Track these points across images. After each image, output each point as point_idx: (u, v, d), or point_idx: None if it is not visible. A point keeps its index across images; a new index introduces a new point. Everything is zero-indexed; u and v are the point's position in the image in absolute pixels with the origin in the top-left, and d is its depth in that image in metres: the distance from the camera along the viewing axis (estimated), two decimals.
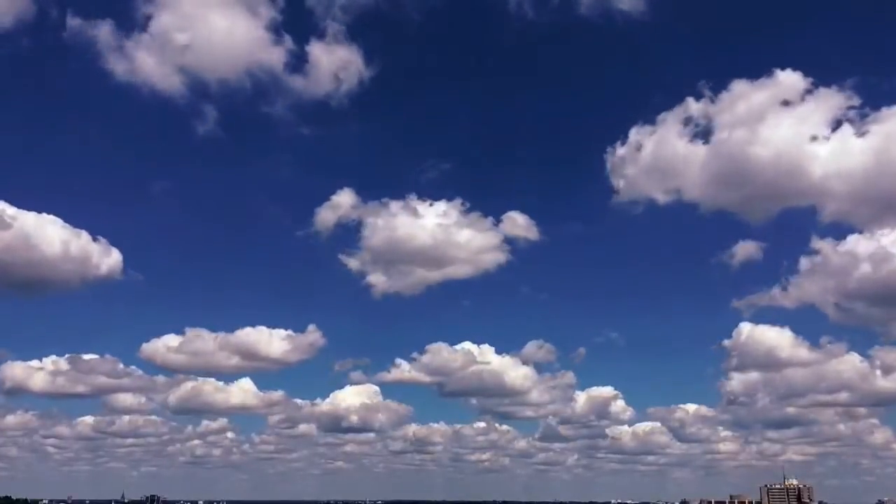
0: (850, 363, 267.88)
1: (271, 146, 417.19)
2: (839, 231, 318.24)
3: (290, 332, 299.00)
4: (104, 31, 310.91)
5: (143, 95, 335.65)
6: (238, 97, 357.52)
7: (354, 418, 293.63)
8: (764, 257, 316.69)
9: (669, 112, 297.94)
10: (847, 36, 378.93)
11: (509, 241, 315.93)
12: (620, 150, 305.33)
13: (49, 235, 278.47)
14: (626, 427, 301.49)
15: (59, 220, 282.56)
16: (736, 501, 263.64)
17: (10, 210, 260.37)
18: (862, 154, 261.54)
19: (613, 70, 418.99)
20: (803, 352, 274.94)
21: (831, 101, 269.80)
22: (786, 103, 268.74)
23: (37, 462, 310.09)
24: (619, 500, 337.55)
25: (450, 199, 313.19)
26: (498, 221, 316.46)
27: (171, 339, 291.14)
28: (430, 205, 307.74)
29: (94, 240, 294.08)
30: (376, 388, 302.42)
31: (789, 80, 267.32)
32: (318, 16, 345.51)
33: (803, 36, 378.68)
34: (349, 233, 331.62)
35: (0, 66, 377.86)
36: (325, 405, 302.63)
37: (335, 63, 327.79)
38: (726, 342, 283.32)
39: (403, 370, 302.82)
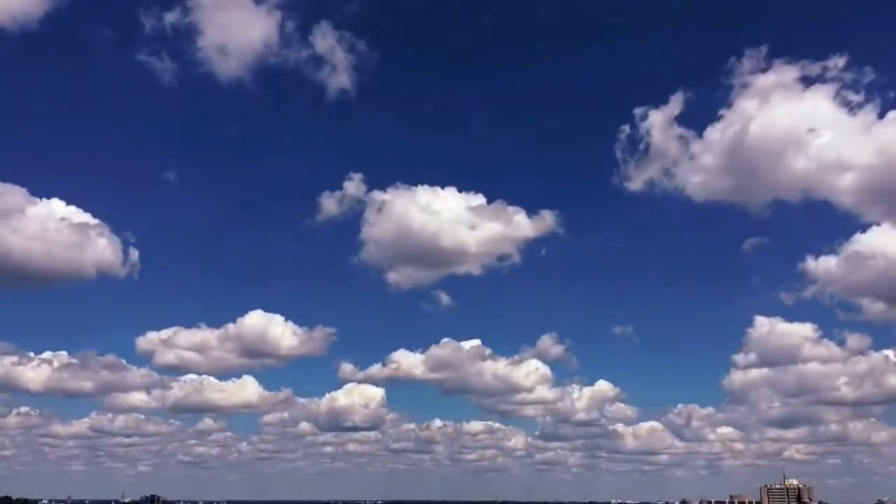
0: (856, 362, 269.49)
1: (283, 137, 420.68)
2: (857, 225, 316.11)
3: (294, 326, 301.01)
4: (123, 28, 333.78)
5: (157, 88, 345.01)
6: (250, 89, 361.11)
7: (355, 417, 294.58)
8: (776, 252, 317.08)
9: (684, 102, 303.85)
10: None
11: (523, 235, 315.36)
12: (634, 143, 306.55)
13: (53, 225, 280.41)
14: (627, 426, 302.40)
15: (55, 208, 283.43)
16: (736, 501, 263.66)
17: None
18: (883, 144, 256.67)
19: (625, 58, 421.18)
20: (809, 351, 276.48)
21: (858, 85, 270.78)
22: (805, 87, 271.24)
23: (36, 462, 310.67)
24: (620, 501, 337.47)
25: (461, 191, 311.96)
26: (511, 214, 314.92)
27: (173, 336, 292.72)
28: (441, 197, 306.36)
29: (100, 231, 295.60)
30: (377, 386, 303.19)
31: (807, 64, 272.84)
32: (331, 6, 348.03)
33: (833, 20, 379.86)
34: (358, 226, 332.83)
35: (26, 61, 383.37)
36: (325, 404, 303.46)
37: (347, 53, 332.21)
38: (732, 341, 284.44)
39: (406, 367, 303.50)
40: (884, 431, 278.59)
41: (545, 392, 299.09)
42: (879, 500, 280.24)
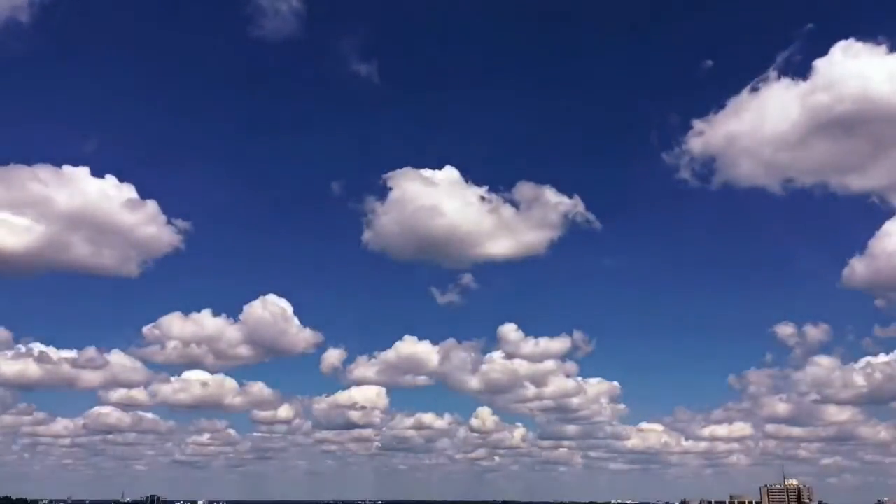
0: (859, 361, 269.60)
1: (298, 123, 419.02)
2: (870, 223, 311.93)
3: (296, 323, 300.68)
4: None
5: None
6: (263, 75, 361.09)
7: (357, 416, 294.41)
8: (790, 248, 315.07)
9: (719, 96, 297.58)
10: None
11: (541, 228, 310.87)
12: (663, 134, 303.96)
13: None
14: (628, 426, 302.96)
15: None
16: (736, 502, 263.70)
17: None
18: None
19: (657, 44, 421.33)
20: (813, 350, 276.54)
21: None
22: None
23: (37, 462, 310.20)
24: (620, 501, 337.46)
25: (486, 180, 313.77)
26: (530, 205, 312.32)
27: (173, 333, 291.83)
28: (460, 185, 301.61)
29: None
30: (378, 384, 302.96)
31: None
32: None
33: None
34: (372, 215, 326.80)
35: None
36: (326, 402, 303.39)
37: (368, 38, 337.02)
38: (736, 340, 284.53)
39: (408, 364, 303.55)
40: (886, 431, 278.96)
41: (547, 391, 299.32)
42: (879, 501, 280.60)
